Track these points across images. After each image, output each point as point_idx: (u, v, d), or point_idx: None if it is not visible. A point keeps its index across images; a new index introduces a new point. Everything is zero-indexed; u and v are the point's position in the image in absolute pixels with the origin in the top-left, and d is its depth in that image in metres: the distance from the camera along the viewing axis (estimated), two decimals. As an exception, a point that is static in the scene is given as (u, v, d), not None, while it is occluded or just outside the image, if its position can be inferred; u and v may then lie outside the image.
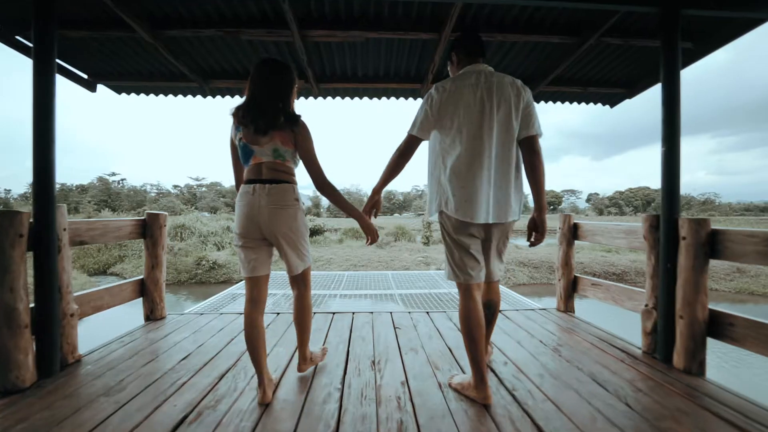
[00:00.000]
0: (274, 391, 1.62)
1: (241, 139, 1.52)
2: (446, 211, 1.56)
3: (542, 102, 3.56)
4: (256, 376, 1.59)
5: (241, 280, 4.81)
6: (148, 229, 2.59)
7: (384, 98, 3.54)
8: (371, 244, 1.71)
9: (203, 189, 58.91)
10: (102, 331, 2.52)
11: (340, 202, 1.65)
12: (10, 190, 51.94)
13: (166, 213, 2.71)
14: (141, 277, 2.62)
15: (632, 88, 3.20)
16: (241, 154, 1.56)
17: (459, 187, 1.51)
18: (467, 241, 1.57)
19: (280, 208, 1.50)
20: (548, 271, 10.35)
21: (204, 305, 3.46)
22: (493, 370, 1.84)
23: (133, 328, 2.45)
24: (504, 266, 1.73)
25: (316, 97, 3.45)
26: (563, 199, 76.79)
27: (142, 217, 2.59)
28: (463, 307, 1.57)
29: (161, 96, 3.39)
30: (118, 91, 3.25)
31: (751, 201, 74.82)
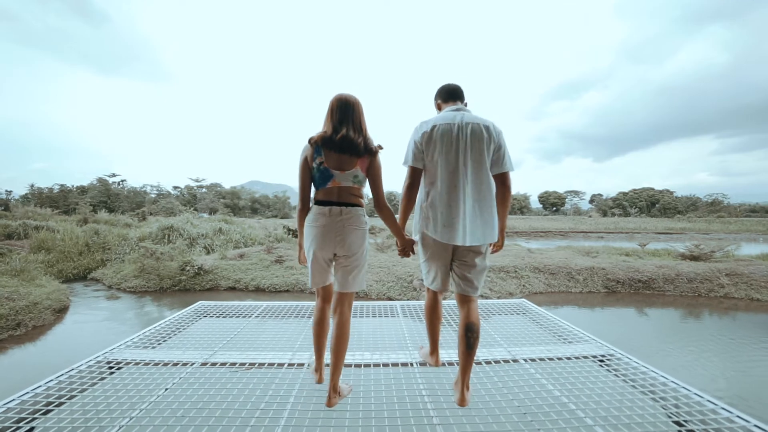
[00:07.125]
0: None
1: (322, 163, 1.70)
2: (428, 233, 1.84)
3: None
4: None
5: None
6: None
7: None
8: (403, 253, 2.01)
9: (203, 190, 58.01)
10: None
11: (393, 224, 1.92)
12: (11, 191, 50.67)
13: None
14: None
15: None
16: (318, 176, 1.73)
17: (440, 214, 1.80)
18: (442, 259, 1.89)
19: (355, 229, 1.74)
20: (566, 278, 9.43)
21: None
22: None
23: None
24: (482, 285, 1.89)
25: None
26: (566, 200, 75.40)
27: None
28: (428, 304, 2.04)
29: None
30: None
31: (756, 202, 73.52)
